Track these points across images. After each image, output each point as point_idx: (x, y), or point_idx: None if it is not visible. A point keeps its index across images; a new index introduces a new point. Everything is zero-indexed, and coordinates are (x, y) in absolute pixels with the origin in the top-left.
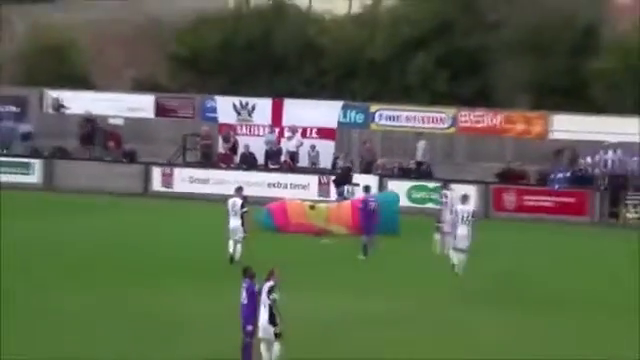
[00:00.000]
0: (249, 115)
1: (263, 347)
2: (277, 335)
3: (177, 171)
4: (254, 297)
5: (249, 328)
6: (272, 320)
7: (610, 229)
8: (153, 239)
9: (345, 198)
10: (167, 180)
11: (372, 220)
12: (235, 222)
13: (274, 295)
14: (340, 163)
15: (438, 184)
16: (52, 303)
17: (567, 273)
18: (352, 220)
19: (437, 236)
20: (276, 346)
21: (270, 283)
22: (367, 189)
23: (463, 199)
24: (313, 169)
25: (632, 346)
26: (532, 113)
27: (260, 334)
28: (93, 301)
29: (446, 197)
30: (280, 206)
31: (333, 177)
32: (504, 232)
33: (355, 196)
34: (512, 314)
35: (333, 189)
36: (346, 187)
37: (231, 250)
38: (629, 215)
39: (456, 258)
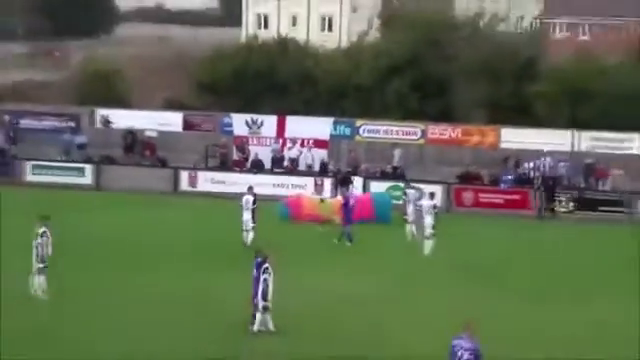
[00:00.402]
0: (258, 129)
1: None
2: (265, 308)
3: (200, 174)
4: (267, 282)
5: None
6: (263, 295)
7: (546, 220)
8: (182, 229)
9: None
10: (192, 181)
11: (350, 214)
12: (247, 215)
13: (266, 275)
14: (330, 167)
15: (398, 184)
16: (110, 282)
17: (515, 256)
18: (332, 211)
19: (408, 226)
20: (264, 316)
21: (265, 265)
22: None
23: (430, 196)
24: (309, 172)
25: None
26: (485, 127)
27: (256, 305)
28: (149, 278)
29: (407, 195)
30: (296, 200)
31: (338, 178)
32: (464, 224)
33: (354, 194)
34: (473, 292)
35: (329, 188)
36: (349, 187)
37: (244, 237)
38: (560, 209)
39: (425, 243)
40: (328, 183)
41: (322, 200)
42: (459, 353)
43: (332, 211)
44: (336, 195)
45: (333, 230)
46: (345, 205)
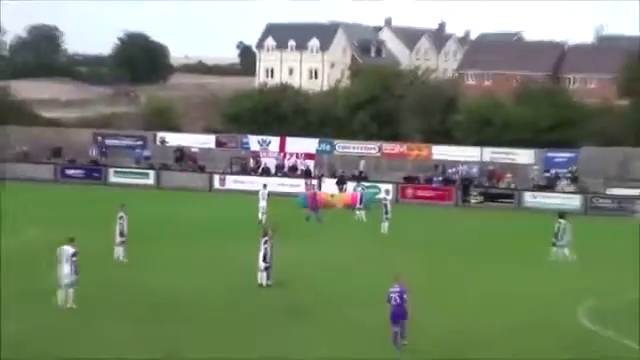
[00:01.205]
0: (267, 146)
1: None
2: (266, 267)
3: (228, 177)
4: (267, 246)
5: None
6: (264, 259)
7: (463, 208)
8: (215, 214)
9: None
10: (222, 182)
11: (317, 204)
12: (263, 203)
13: (266, 246)
14: (315, 172)
15: (365, 184)
16: (167, 251)
17: (441, 232)
18: (344, 202)
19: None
20: (264, 273)
21: (266, 238)
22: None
23: (385, 192)
24: (302, 176)
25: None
26: (422, 145)
27: (259, 264)
28: (193, 247)
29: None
30: (312, 195)
31: (336, 180)
32: (407, 211)
33: (348, 191)
34: (411, 256)
35: (327, 186)
36: (344, 186)
37: (259, 217)
38: (472, 200)
39: (382, 225)
40: (314, 182)
41: (332, 195)
42: (392, 296)
43: (339, 202)
44: (341, 191)
45: (331, 215)
46: (312, 197)
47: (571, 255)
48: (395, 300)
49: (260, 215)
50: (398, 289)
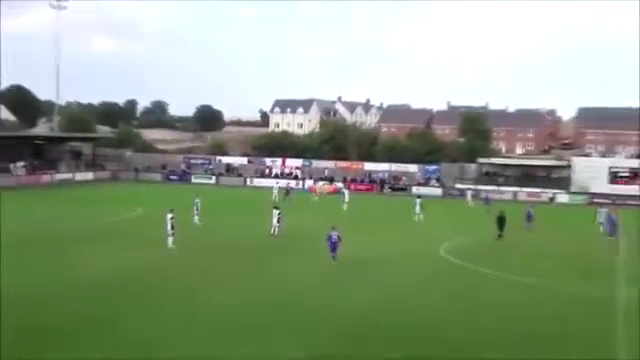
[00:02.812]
0: (274, 163)
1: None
2: (278, 226)
3: (254, 179)
4: (280, 215)
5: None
6: (278, 221)
7: (381, 195)
8: (246, 200)
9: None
10: (251, 182)
11: (291, 195)
12: (276, 192)
13: (277, 211)
14: (301, 177)
15: (326, 182)
16: (220, 222)
17: (368, 209)
18: (330, 190)
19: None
20: (276, 228)
21: (278, 210)
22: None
23: (344, 187)
24: (294, 178)
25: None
26: (359, 162)
27: (273, 223)
28: (234, 221)
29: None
30: (312, 186)
31: (327, 180)
32: (352, 197)
33: (332, 186)
34: (356, 225)
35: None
36: (321, 183)
37: (274, 200)
38: (385, 191)
39: (344, 205)
40: (302, 182)
41: (323, 184)
42: (331, 236)
43: (327, 190)
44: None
45: (322, 199)
46: (287, 191)
47: (425, 218)
48: (333, 239)
49: (275, 199)
50: (335, 233)
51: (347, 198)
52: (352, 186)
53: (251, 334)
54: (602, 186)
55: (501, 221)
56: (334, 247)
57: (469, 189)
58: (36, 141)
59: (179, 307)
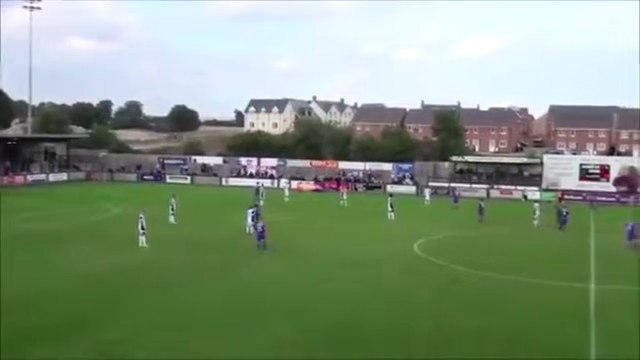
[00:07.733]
0: (250, 163)
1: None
2: (254, 225)
3: (230, 179)
4: (257, 214)
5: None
6: (252, 220)
7: (354, 193)
8: (231, 196)
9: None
10: (226, 181)
11: (300, 189)
12: (259, 190)
13: (252, 209)
14: (276, 176)
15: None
16: (212, 216)
17: (347, 210)
18: (312, 188)
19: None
20: (251, 228)
21: (254, 209)
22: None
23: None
24: (269, 177)
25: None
26: (333, 161)
27: (248, 223)
28: (220, 214)
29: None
30: (298, 185)
31: (314, 180)
32: (326, 195)
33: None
34: (337, 218)
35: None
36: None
37: (255, 199)
38: (359, 189)
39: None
40: (281, 181)
41: (307, 184)
42: (259, 226)
43: (310, 188)
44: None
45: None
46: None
47: (395, 217)
48: (261, 229)
49: (256, 197)
50: (261, 224)
51: (346, 196)
52: (324, 184)
53: (226, 333)
54: (573, 183)
55: (481, 209)
56: (262, 236)
57: (427, 186)
58: (9, 142)
59: (153, 307)
